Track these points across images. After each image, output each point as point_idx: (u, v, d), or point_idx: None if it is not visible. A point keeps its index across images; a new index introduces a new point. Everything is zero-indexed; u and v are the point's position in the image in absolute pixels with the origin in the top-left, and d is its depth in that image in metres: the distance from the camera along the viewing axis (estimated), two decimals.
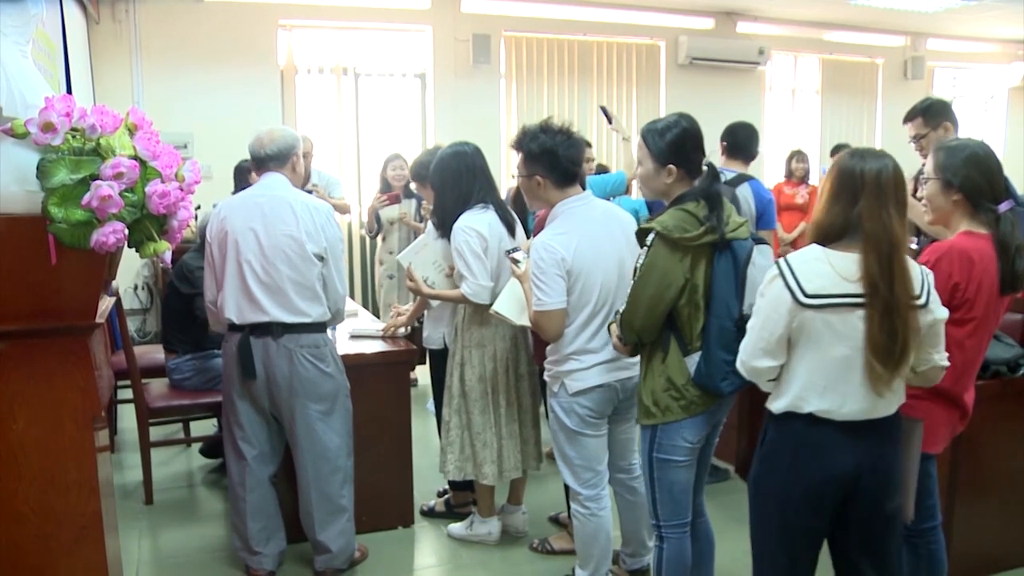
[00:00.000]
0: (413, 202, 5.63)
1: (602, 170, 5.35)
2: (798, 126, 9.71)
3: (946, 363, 2.17)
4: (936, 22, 9.36)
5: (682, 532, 2.57)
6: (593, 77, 8.65)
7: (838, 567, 2.29)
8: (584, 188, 2.93)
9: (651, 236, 2.39)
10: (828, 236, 2.09)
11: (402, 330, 3.84)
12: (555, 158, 2.78)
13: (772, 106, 9.61)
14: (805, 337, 2.06)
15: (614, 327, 2.55)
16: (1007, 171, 2.52)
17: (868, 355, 2.02)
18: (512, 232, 3.36)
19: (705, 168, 2.50)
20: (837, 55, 9.72)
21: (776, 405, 2.16)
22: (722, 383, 2.37)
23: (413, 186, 4.97)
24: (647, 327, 2.42)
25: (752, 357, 2.15)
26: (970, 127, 10.60)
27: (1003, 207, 2.41)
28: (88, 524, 2.12)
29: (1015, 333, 3.27)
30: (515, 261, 2.97)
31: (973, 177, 2.39)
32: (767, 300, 2.10)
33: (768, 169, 9.21)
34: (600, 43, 8.63)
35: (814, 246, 2.12)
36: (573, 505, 2.98)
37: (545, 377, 2.94)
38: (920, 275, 2.08)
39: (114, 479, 3.73)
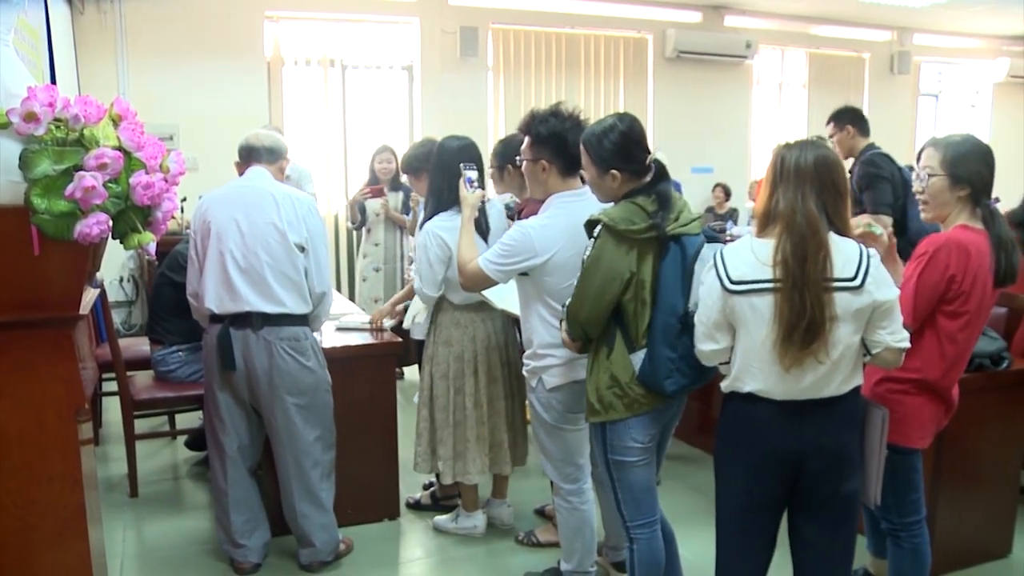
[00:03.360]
0: (399, 195, 5.60)
1: None
2: (784, 120, 9.75)
3: (903, 344, 2.12)
4: (922, 17, 9.41)
5: (651, 531, 2.54)
6: (580, 70, 8.65)
7: (793, 545, 2.31)
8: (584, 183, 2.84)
9: (598, 228, 2.37)
10: (761, 224, 2.16)
11: (388, 321, 3.83)
12: (563, 143, 2.71)
13: (759, 100, 9.65)
14: (737, 321, 2.14)
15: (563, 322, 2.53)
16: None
17: (773, 328, 2.06)
18: (484, 238, 3.25)
19: (652, 165, 2.46)
20: (824, 49, 9.75)
21: (723, 384, 2.26)
22: (665, 381, 2.34)
23: (404, 178, 4.92)
24: (591, 321, 2.40)
25: (698, 341, 2.24)
26: (955, 122, 10.68)
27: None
28: (71, 516, 2.10)
29: (998, 326, 3.30)
30: (470, 182, 2.98)
31: (983, 173, 2.42)
32: (704, 288, 2.21)
33: (754, 163, 9.24)
34: (587, 36, 8.63)
35: (747, 236, 2.20)
36: (556, 499, 2.98)
37: (523, 372, 2.91)
38: (858, 257, 2.07)
39: (99, 472, 3.71)
